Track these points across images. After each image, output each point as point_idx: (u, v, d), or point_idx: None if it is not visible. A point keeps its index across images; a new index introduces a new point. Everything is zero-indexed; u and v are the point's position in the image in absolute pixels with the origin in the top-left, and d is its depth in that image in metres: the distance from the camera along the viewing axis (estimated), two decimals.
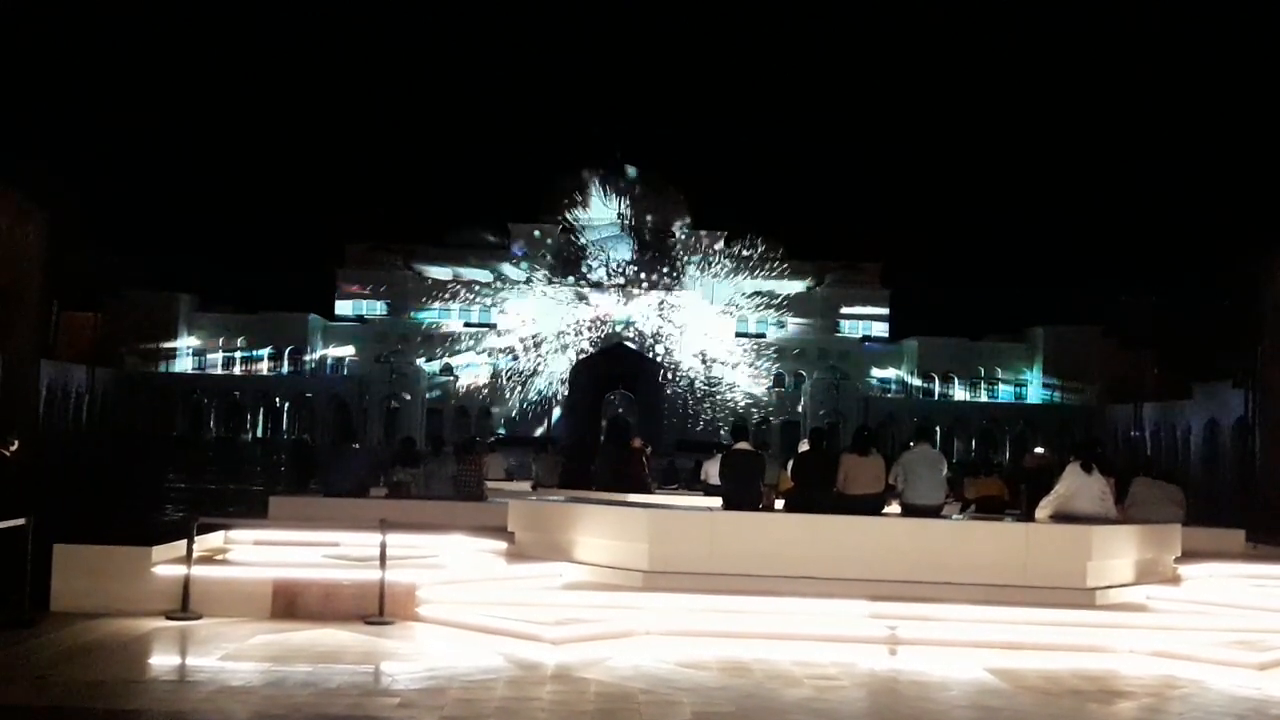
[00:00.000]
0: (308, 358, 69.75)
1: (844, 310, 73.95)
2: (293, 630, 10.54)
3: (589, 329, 72.60)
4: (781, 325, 73.96)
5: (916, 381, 71.20)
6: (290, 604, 11.17)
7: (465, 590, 11.40)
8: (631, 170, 75.18)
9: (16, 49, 72.63)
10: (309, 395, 67.18)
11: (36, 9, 74.71)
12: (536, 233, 73.96)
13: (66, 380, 55.80)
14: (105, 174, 79.24)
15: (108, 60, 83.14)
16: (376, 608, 10.94)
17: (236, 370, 67.71)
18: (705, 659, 9.79)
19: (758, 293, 74.18)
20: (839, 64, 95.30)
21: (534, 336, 72.89)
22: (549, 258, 73.56)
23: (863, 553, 11.50)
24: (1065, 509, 13.00)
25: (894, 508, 14.37)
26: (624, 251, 74.08)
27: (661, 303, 73.52)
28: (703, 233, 74.75)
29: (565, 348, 72.25)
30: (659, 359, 70.67)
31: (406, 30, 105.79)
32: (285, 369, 68.82)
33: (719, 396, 72.67)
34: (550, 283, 73.09)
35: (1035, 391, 69.61)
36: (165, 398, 64.05)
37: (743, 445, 15.07)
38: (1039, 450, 25.09)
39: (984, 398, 69.65)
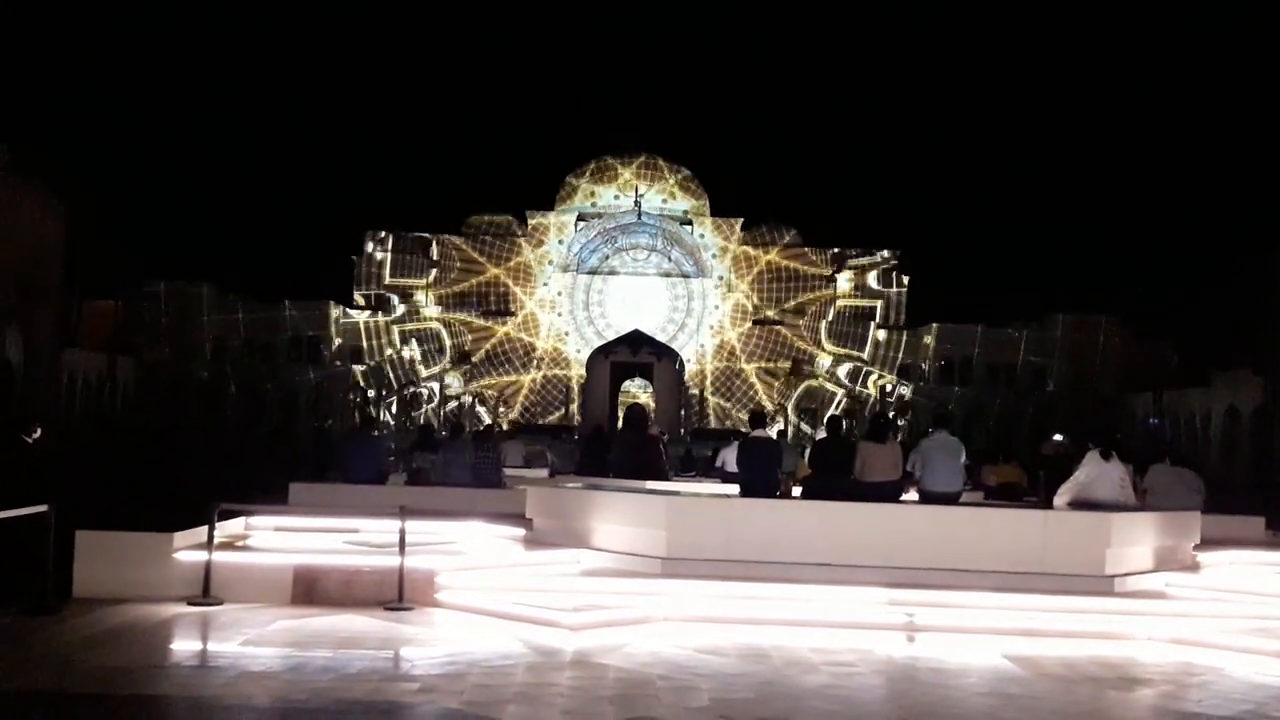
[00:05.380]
0: (325, 345, 69.87)
1: (861, 296, 73.74)
2: (313, 616, 10.61)
3: (606, 316, 72.59)
4: (801, 312, 73.80)
5: (935, 368, 70.94)
6: (310, 590, 11.25)
7: (484, 576, 11.45)
8: (648, 157, 75.05)
9: (35, 43, 72.97)
10: (328, 383, 67.37)
11: (55, 4, 74.95)
12: (553, 220, 73.94)
13: (87, 368, 56.07)
14: (125, 164, 79.49)
15: (126, 51, 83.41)
16: (396, 593, 11.00)
17: (256, 358, 67.86)
18: (723, 645, 9.81)
19: (775, 279, 74.08)
20: (857, 49, 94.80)
21: (551, 324, 72.94)
22: (566, 245, 73.57)
23: (880, 540, 11.49)
24: (1084, 496, 12.99)
25: (912, 495, 14.37)
26: (641, 238, 74.03)
27: (679, 289, 73.46)
28: (720, 219, 74.61)
29: (582, 335, 72.30)
30: (676, 346, 70.62)
31: (425, 17, 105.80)
32: (305, 357, 68.97)
33: (736, 384, 72.65)
34: (567, 270, 73.08)
35: (1054, 379, 69.26)
36: (185, 385, 64.30)
37: (760, 433, 15.09)
38: (1057, 438, 25.01)
39: (1002, 385, 69.32)
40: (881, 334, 72.14)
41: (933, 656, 9.75)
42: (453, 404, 69.03)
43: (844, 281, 73.72)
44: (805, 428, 67.07)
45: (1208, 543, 13.04)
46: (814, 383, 72.02)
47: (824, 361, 72.22)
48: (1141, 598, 11.28)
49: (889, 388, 69.76)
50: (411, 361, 70.55)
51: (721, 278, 73.37)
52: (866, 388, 70.83)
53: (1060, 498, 13.26)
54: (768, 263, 74.07)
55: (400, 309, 71.74)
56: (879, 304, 73.28)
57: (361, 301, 71.00)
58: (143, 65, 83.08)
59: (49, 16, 75.20)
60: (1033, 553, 11.46)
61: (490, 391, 70.04)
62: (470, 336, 72.47)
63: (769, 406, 67.64)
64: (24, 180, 41.79)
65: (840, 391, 71.22)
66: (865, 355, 72.09)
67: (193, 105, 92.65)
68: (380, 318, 71.00)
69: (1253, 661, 9.69)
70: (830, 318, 72.72)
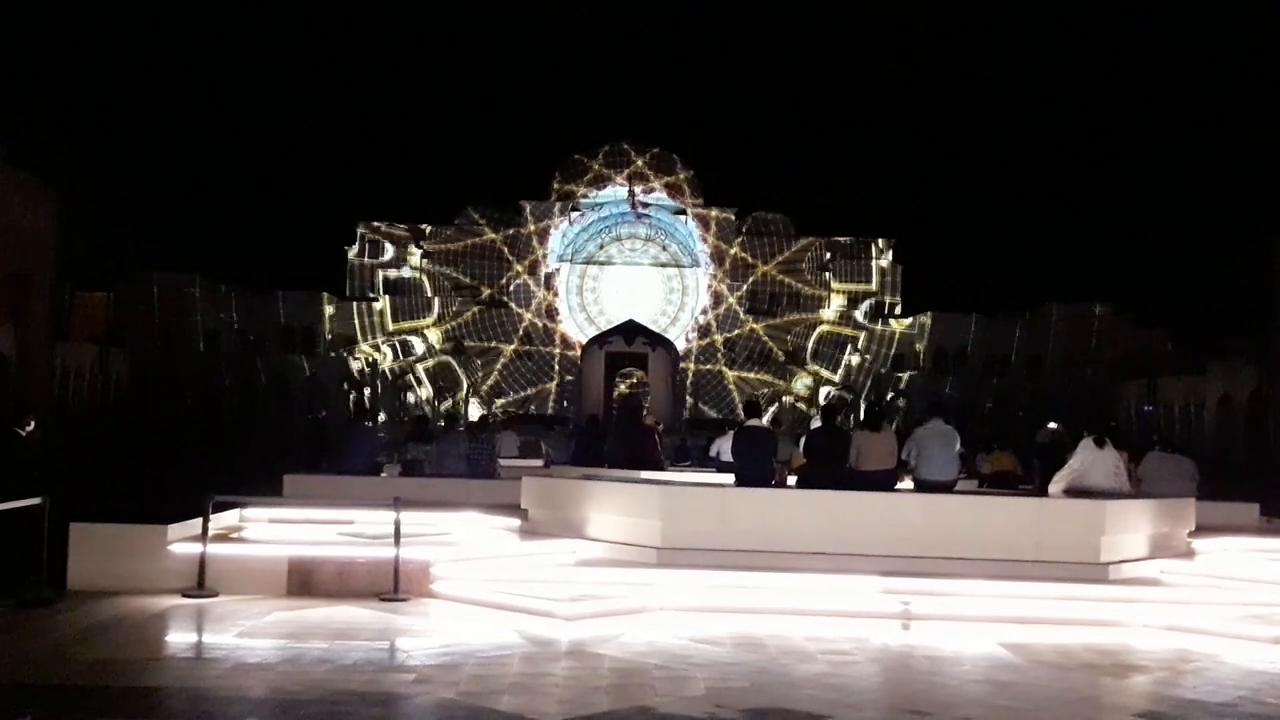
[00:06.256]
0: (319, 335, 69.79)
1: (855, 286, 73.80)
2: (308, 607, 10.59)
3: (600, 306, 72.65)
4: (794, 302, 73.87)
5: (929, 357, 71.01)
6: (305, 581, 11.23)
7: (479, 567, 11.45)
8: (641, 147, 75.02)
9: (29, 32, 72.61)
10: (322, 373, 67.35)
11: None
12: (546, 211, 73.85)
13: (80, 361, 55.89)
14: (117, 155, 79.19)
15: (118, 41, 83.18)
16: (391, 585, 11.00)
17: (249, 349, 67.80)
18: (719, 635, 9.81)
19: (769, 268, 74.14)
20: (849, 39, 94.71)
21: (545, 314, 72.96)
22: (559, 236, 73.54)
23: (875, 529, 11.50)
24: (1079, 484, 13.00)
25: (907, 483, 14.38)
26: (634, 229, 74.04)
27: (673, 279, 73.52)
28: (713, 209, 74.60)
29: (577, 325, 72.34)
30: (671, 336, 70.70)
31: (418, 13, 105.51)
32: (298, 348, 68.89)
33: (731, 373, 72.73)
34: (561, 260, 73.09)
35: (1048, 367, 69.36)
36: (178, 377, 64.18)
37: (755, 422, 15.10)
38: (1052, 426, 24.96)
39: (997, 374, 69.43)
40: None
41: (928, 644, 9.76)
42: (446, 394, 69.01)
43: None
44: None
45: (1202, 529, 13.06)
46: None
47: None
48: (1136, 585, 11.30)
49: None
50: (404, 350, 70.64)
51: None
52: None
53: (1055, 485, 13.27)
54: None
55: (393, 297, 71.64)
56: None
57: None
58: (136, 56, 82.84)
59: (44, 8, 74.81)
60: (1028, 541, 11.48)
61: (483, 380, 69.85)
62: (464, 324, 72.53)
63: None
64: (16, 171, 41.64)
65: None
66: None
67: (186, 97, 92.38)
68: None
69: (1247, 648, 9.71)
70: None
